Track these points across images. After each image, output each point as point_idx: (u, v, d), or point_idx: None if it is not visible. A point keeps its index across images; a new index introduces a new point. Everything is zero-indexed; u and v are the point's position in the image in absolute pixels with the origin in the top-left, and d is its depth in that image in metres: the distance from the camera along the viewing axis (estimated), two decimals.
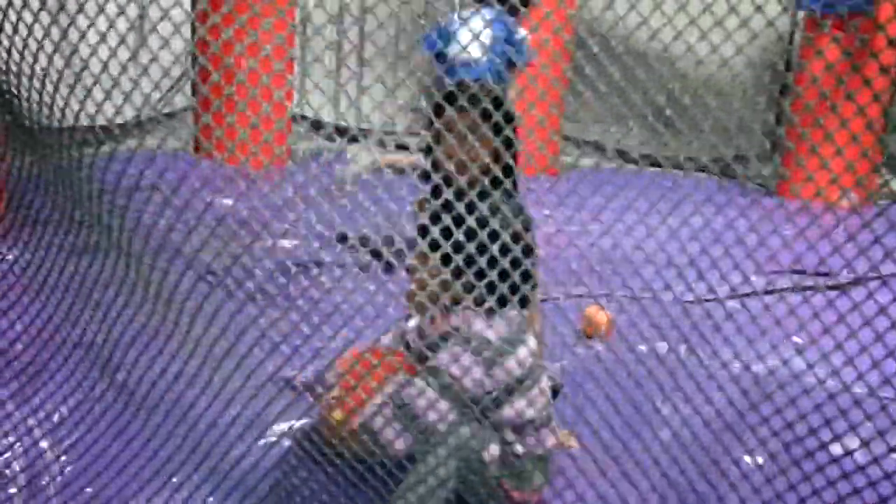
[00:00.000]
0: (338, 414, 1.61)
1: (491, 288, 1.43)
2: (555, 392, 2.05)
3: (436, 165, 1.88)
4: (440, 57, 3.31)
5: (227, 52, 1.46)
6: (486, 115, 1.48)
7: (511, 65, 3.17)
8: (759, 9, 1.42)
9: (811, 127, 1.51)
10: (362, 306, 1.43)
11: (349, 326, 1.58)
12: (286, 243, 3.37)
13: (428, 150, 1.87)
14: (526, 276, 1.45)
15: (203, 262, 1.65)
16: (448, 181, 1.79)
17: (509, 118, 1.57)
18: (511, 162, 1.55)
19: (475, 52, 3.21)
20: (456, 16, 3.34)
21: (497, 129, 1.46)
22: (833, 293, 2.71)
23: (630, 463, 1.63)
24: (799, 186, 5.08)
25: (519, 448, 1.57)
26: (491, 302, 1.46)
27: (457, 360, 1.48)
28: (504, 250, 1.39)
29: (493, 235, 1.38)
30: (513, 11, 3.18)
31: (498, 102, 1.51)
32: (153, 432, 1.55)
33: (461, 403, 1.49)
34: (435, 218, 1.41)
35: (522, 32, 3.19)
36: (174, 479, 1.58)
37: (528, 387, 1.57)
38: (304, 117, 6.10)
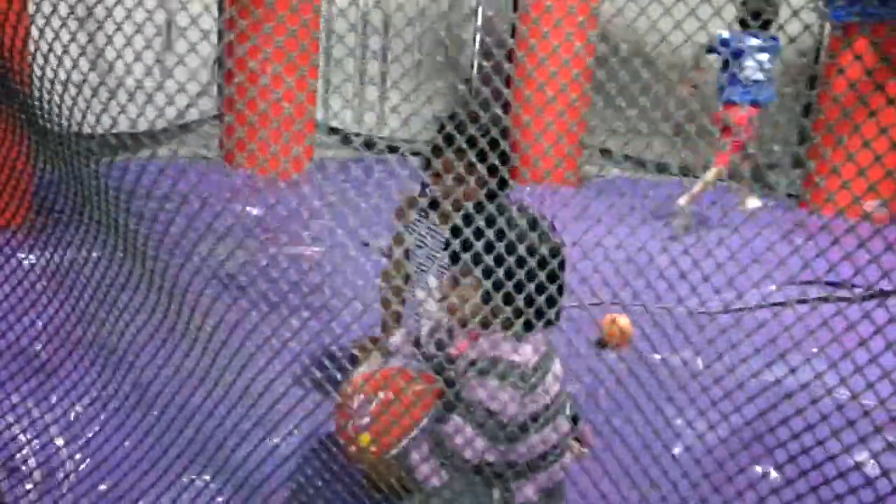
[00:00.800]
0: (365, 438, 1.58)
1: (523, 309, 1.40)
2: (575, 420, 2.02)
3: (434, 178, 1.92)
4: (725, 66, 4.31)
5: (255, 62, 1.48)
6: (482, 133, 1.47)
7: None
8: (780, 28, 1.43)
9: (833, 146, 1.50)
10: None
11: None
12: (309, 249, 3.41)
13: (427, 164, 1.91)
14: (552, 298, 1.42)
15: (224, 266, 1.68)
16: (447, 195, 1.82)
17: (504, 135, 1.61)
18: (507, 177, 1.55)
19: (760, 75, 4.26)
20: (741, 40, 4.25)
21: (494, 145, 1.45)
22: (845, 305, 2.67)
23: (644, 472, 1.61)
24: (820, 202, 5.05)
25: (527, 492, 1.53)
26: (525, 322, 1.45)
27: (494, 396, 1.43)
28: (538, 267, 1.37)
29: (529, 252, 1.36)
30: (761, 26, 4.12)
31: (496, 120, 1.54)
32: (164, 431, 1.57)
33: (495, 439, 1.45)
34: (457, 231, 1.39)
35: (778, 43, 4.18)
36: (184, 479, 1.60)
37: (552, 416, 1.54)
38: (330, 128, 6.15)
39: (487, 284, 1.42)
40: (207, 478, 1.63)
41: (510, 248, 1.35)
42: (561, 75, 1.40)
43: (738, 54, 4.35)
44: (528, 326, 1.46)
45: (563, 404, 1.58)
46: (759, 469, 1.90)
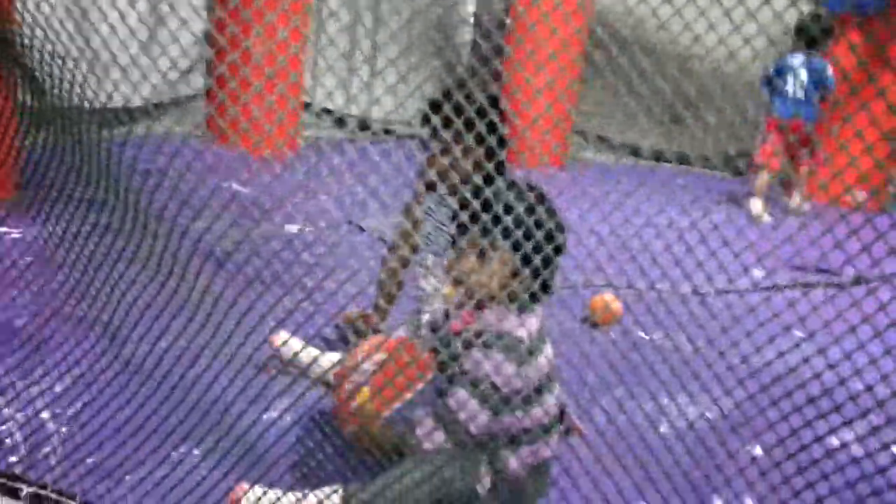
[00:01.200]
0: (364, 394, 1.60)
1: (532, 282, 1.43)
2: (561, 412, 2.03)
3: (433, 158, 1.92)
4: (770, 84, 4.83)
5: (243, 46, 1.46)
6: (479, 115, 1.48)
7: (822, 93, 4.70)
8: (766, 1, 1.42)
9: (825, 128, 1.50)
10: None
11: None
12: (296, 227, 3.39)
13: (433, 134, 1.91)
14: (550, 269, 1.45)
15: (215, 241, 1.67)
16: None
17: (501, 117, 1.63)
18: (502, 158, 1.56)
19: (800, 93, 4.68)
20: (788, 59, 4.79)
21: (492, 129, 1.45)
22: (844, 291, 2.71)
23: (632, 453, 1.62)
24: (813, 191, 5.07)
25: (513, 464, 1.54)
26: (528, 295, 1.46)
27: (500, 370, 1.43)
28: (543, 240, 1.39)
29: (536, 226, 1.38)
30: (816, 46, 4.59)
31: (493, 102, 1.55)
32: (155, 407, 1.56)
33: (499, 412, 1.46)
34: (465, 207, 1.39)
35: (830, 70, 4.59)
36: (174, 453, 1.60)
37: (549, 388, 1.55)
38: (326, 110, 6.10)
39: (495, 256, 1.44)
40: (198, 452, 1.63)
41: (523, 221, 1.37)
42: (549, 53, 1.40)
43: (780, 72, 4.82)
44: (534, 298, 1.48)
45: (554, 380, 1.59)
46: (754, 450, 1.91)
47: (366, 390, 1.60)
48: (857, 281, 2.82)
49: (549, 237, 1.41)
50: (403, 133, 5.42)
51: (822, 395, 1.45)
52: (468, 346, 1.46)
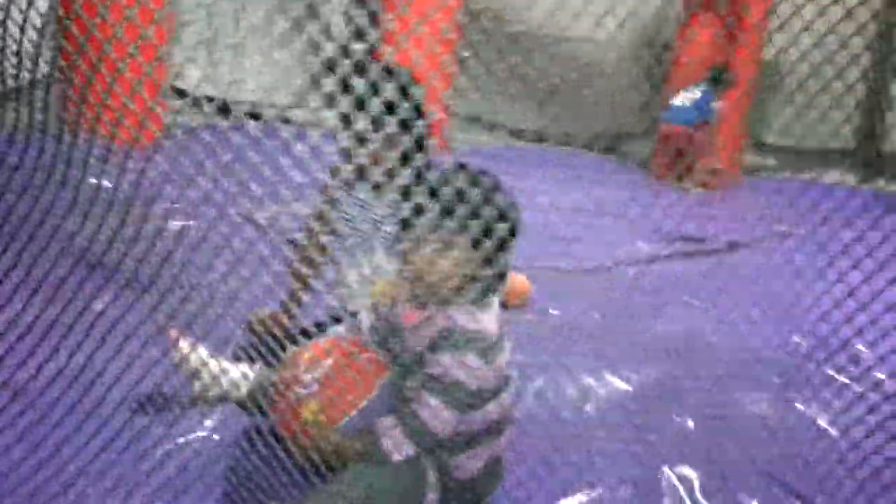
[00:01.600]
0: (313, 406, 1.46)
1: (495, 274, 1.36)
2: None
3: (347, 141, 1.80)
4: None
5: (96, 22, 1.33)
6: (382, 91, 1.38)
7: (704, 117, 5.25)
8: None
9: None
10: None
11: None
12: (177, 223, 3.18)
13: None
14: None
15: (93, 247, 1.54)
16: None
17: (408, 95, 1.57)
18: (423, 136, 1.48)
19: (686, 105, 5.31)
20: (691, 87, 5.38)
21: (392, 108, 1.37)
22: (712, 259, 2.89)
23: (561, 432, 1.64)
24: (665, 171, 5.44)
25: (471, 464, 1.47)
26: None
27: (469, 370, 1.35)
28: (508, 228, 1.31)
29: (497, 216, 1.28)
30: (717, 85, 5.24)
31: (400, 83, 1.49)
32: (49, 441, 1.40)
33: (461, 408, 1.38)
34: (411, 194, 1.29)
35: (717, 104, 5.21)
36: (78, 489, 1.43)
37: (510, 383, 1.50)
38: (179, 91, 5.78)
39: (459, 245, 1.34)
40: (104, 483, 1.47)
41: (494, 205, 1.28)
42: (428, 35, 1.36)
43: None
44: (492, 287, 1.42)
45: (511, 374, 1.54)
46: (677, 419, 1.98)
47: (315, 401, 1.46)
48: (731, 246, 3.03)
49: (515, 221, 1.36)
50: (273, 117, 5.26)
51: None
52: (434, 347, 1.38)
